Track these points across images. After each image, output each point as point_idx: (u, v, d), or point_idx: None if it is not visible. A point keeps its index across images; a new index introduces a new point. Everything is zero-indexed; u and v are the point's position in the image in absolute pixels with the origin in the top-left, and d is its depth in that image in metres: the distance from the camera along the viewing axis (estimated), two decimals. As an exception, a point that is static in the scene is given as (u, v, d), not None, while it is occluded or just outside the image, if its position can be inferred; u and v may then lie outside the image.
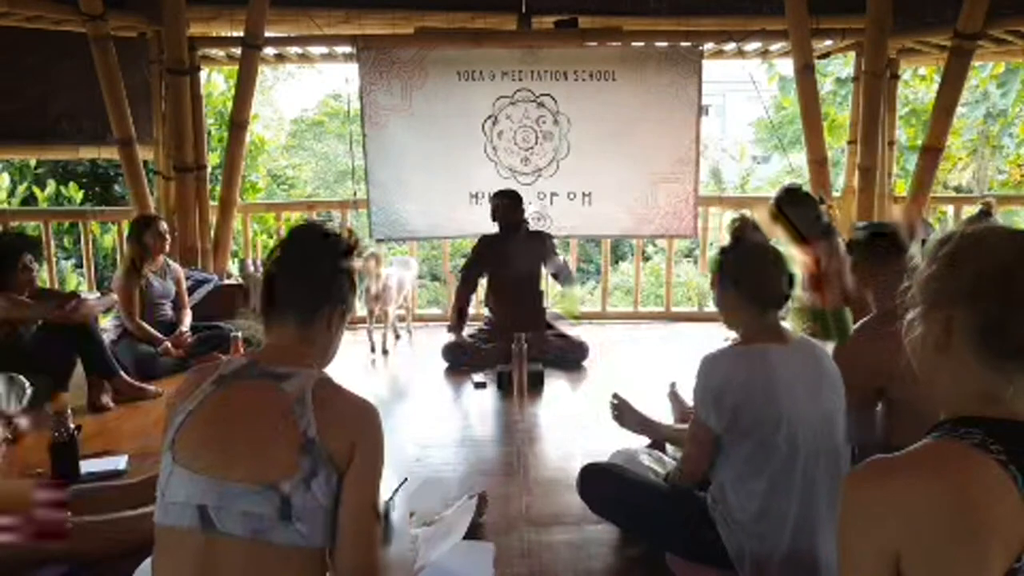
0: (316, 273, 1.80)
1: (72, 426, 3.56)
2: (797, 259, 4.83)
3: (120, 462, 3.46)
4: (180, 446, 1.64)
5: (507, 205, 5.45)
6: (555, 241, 5.74)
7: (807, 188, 4.85)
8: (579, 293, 7.35)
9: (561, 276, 5.61)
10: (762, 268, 2.43)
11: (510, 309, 5.48)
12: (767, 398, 2.28)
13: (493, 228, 5.52)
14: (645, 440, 3.27)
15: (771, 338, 2.39)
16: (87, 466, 3.38)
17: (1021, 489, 1.09)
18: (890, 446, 1.22)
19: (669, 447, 3.18)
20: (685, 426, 2.65)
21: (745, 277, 2.43)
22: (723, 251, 2.53)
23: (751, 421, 2.28)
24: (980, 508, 1.09)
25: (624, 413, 3.14)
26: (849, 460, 2.39)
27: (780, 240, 4.38)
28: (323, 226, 1.88)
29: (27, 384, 3.81)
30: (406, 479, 3.28)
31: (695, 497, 2.51)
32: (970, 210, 6.65)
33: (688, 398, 2.62)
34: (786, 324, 2.51)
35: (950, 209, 7.09)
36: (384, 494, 1.80)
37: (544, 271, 5.63)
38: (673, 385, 3.33)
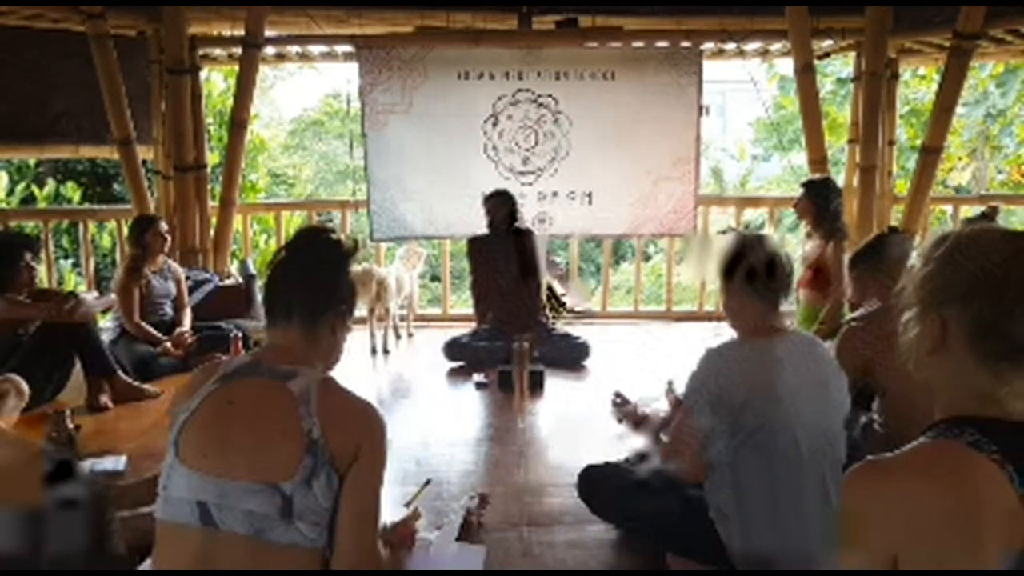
0: (321, 276, 1.82)
1: (71, 426, 3.57)
2: (804, 256, 4.91)
3: (119, 462, 3.45)
4: (183, 443, 1.65)
5: (493, 205, 5.51)
6: (547, 239, 5.74)
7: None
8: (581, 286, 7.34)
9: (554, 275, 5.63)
10: (771, 266, 2.43)
11: (506, 309, 5.50)
12: (772, 393, 2.28)
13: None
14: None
15: (774, 333, 2.40)
16: (86, 466, 3.38)
17: (1017, 488, 1.09)
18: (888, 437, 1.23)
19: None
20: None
21: (755, 275, 2.42)
22: (733, 251, 2.50)
23: (754, 416, 2.28)
24: (977, 507, 1.09)
25: (625, 412, 3.14)
26: (845, 453, 2.39)
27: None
28: (328, 230, 1.91)
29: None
30: (429, 480, 3.30)
31: (694, 496, 2.51)
32: (969, 210, 6.66)
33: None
34: (789, 321, 2.53)
35: (949, 209, 7.10)
36: (386, 499, 1.80)
37: (541, 268, 5.63)
38: (670, 383, 3.32)
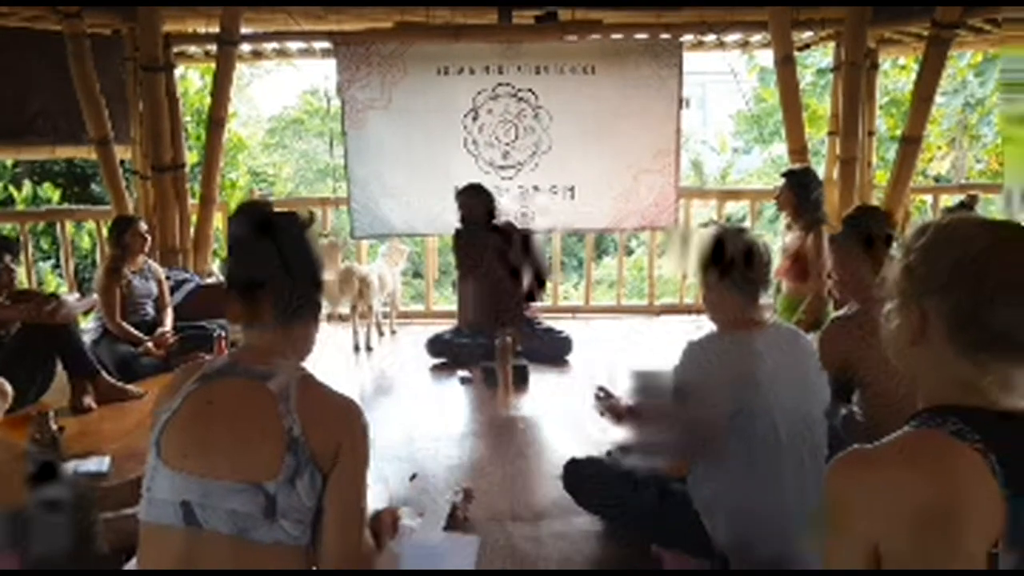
0: (290, 268, 1.75)
1: (54, 427, 3.54)
2: (784, 247, 4.92)
3: (103, 463, 3.42)
4: (165, 443, 1.64)
5: (464, 202, 5.42)
6: (532, 235, 5.59)
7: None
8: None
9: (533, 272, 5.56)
10: (748, 259, 2.43)
11: (486, 305, 5.46)
12: (750, 388, 2.29)
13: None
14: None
15: (753, 326, 2.41)
16: (70, 468, 3.35)
17: (997, 477, 1.10)
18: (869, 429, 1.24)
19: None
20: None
21: (731, 271, 2.42)
22: (711, 244, 2.49)
23: (734, 413, 2.29)
24: (959, 496, 1.10)
25: (608, 405, 3.14)
26: (827, 443, 2.40)
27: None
28: (290, 216, 1.80)
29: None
30: (415, 475, 3.31)
31: (678, 489, 2.52)
32: (949, 200, 6.71)
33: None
34: (769, 313, 2.55)
35: (929, 199, 7.14)
36: (370, 496, 1.79)
37: (521, 265, 5.56)
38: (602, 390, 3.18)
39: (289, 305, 1.74)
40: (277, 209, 1.82)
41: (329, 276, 4.09)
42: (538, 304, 5.69)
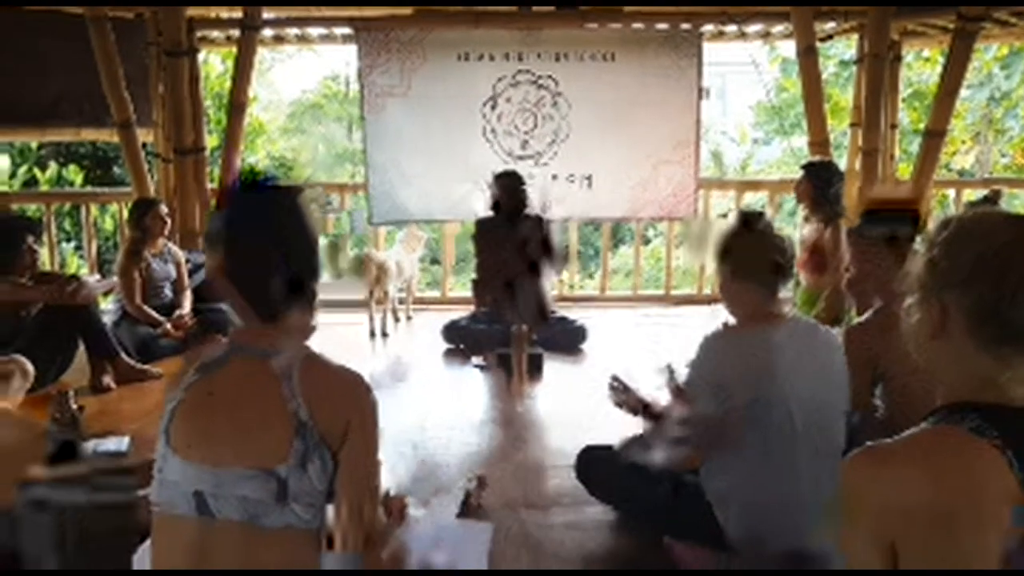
0: (292, 247, 1.70)
1: (74, 407, 3.58)
2: (802, 240, 4.88)
3: (122, 443, 3.46)
4: (173, 432, 1.63)
5: (502, 188, 5.25)
6: (552, 225, 5.52)
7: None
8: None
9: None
10: (765, 254, 2.40)
11: (508, 294, 5.41)
12: (766, 379, 2.27)
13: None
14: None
15: (771, 320, 2.39)
16: (89, 447, 3.39)
17: (1017, 473, 1.10)
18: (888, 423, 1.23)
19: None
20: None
21: (750, 263, 2.41)
22: (729, 237, 2.47)
23: (749, 402, 2.28)
24: (977, 494, 1.10)
25: (623, 396, 3.14)
26: (844, 439, 2.39)
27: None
28: (294, 191, 1.73)
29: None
30: (422, 462, 3.33)
31: (691, 480, 2.52)
32: (972, 194, 6.63)
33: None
34: (788, 307, 2.52)
35: (952, 193, 7.07)
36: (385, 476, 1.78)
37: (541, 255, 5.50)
38: (671, 370, 3.25)
39: (284, 290, 1.69)
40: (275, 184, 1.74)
41: (328, 274, 4.06)
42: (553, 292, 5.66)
